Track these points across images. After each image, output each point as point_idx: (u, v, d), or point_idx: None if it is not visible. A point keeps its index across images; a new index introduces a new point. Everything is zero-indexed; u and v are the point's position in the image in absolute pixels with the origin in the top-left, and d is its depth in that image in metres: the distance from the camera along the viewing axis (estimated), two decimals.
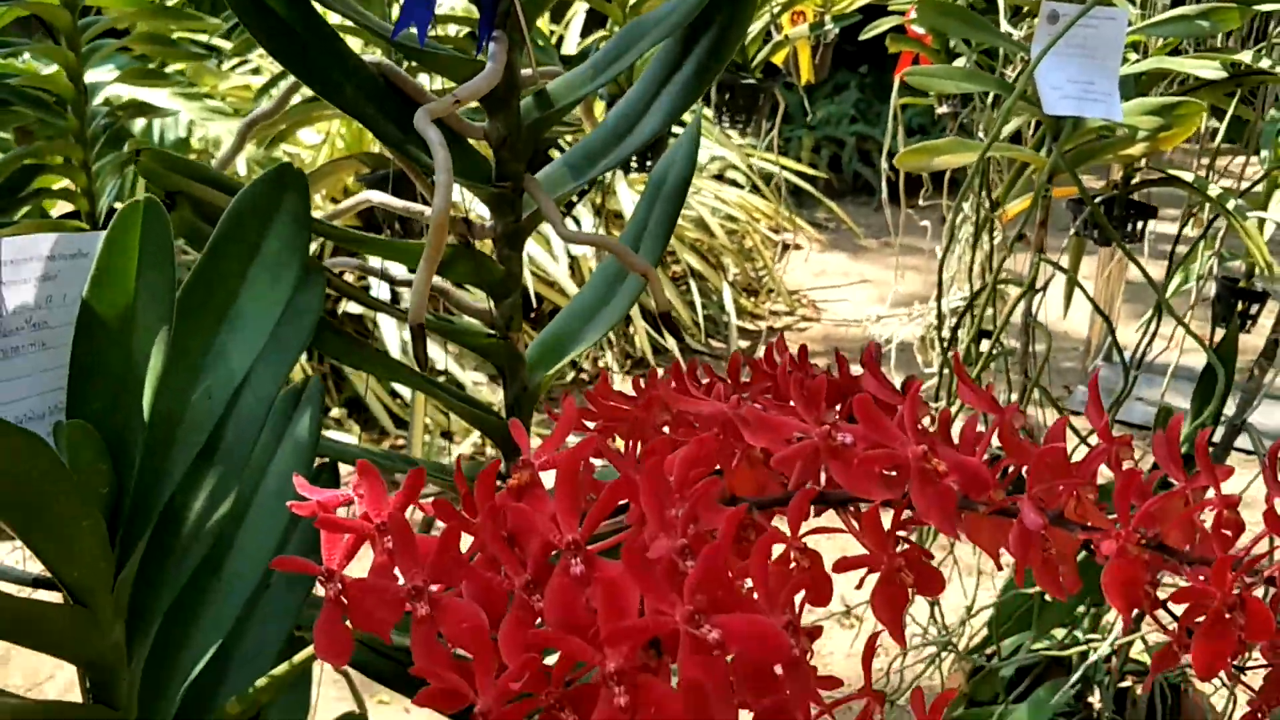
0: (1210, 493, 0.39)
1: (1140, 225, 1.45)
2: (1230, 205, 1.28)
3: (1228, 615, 0.37)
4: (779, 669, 0.32)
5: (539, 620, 0.35)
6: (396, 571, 0.39)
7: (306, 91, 0.95)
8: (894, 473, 0.41)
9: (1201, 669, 0.37)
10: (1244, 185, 1.41)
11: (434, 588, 0.37)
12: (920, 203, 2.06)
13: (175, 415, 0.54)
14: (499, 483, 0.42)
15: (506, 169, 0.70)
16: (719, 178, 3.81)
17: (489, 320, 0.76)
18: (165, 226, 0.52)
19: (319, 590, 0.42)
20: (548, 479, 0.41)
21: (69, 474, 0.43)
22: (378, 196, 0.70)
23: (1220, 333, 1.85)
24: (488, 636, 0.34)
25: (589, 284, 0.81)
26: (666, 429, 0.47)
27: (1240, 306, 1.89)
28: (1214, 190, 1.31)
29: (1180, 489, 0.40)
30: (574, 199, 1.91)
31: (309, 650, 0.53)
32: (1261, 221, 1.35)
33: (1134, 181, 1.43)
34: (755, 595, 0.33)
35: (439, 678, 0.35)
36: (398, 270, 0.79)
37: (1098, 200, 1.45)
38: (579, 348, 0.77)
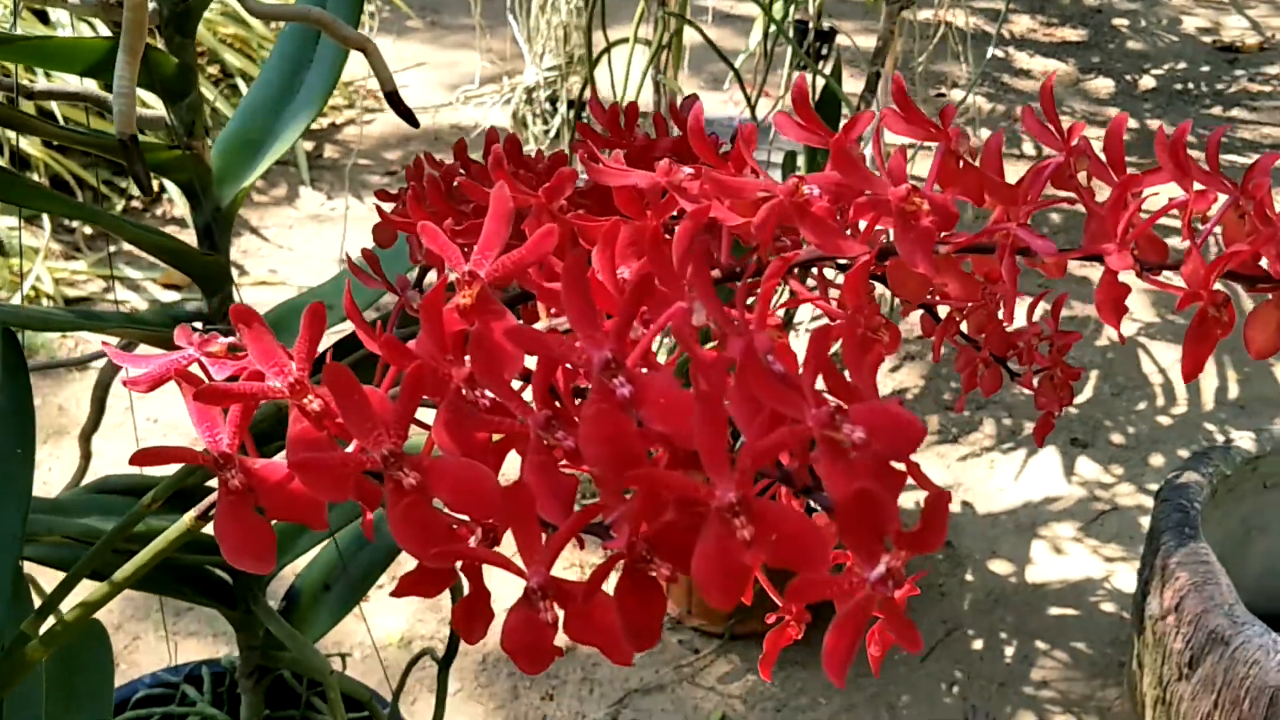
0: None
1: None
2: None
3: (1212, 314, 0.36)
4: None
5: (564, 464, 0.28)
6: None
7: None
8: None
9: (1188, 368, 0.36)
10: None
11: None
12: None
13: None
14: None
15: None
16: None
17: (164, 128, 0.62)
18: None
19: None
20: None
21: None
22: None
23: (799, 75, 1.94)
24: (527, 495, 0.26)
25: (267, 68, 0.68)
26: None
27: (816, 46, 1.98)
28: None
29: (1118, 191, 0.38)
30: None
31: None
32: None
33: None
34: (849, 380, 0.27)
35: (452, 554, 0.27)
36: None
37: None
38: (276, 147, 0.65)
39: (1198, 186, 0.35)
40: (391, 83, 0.57)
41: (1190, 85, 3.68)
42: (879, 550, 0.24)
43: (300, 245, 2.56)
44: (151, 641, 1.67)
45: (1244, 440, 1.58)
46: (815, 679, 1.67)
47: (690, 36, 2.63)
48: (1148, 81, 3.69)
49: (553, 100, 2.31)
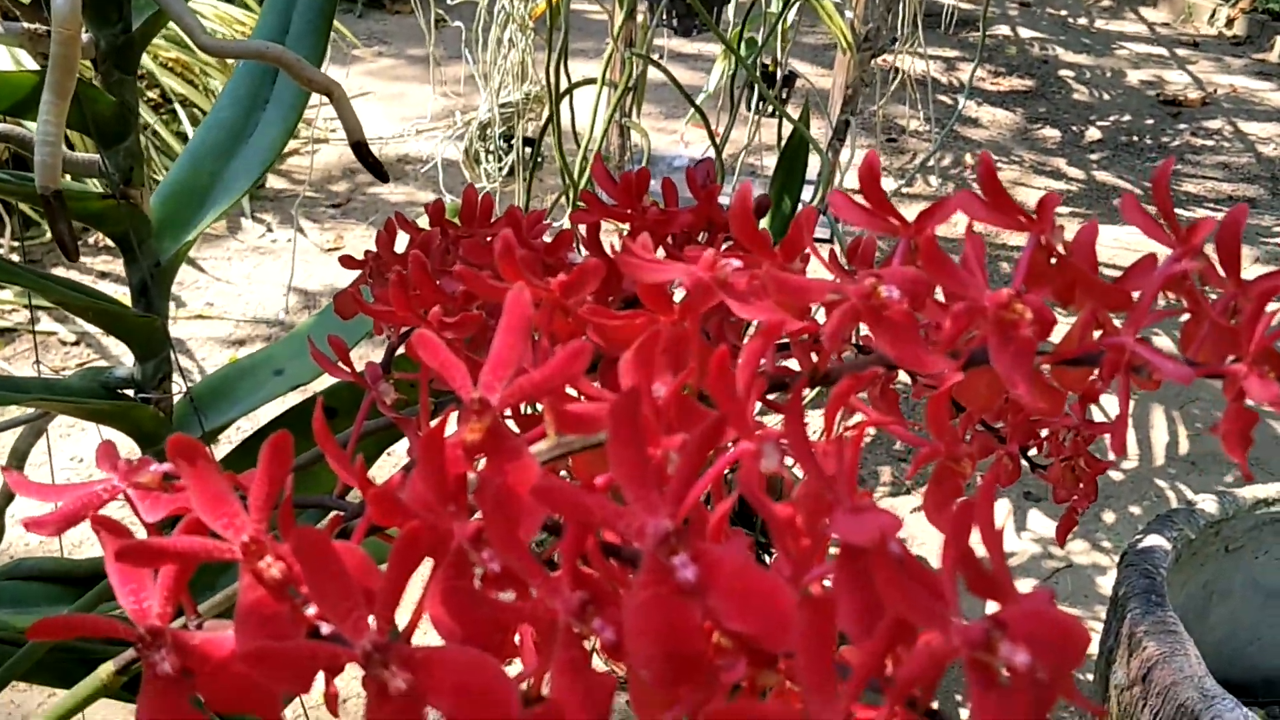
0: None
1: (717, 11, 1.41)
2: None
3: None
4: None
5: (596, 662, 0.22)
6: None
7: None
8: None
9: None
10: None
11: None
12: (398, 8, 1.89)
13: None
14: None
15: None
16: None
17: (98, 175, 0.55)
18: None
19: None
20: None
21: None
22: None
23: (759, 120, 1.90)
24: (558, 714, 0.20)
25: (218, 108, 0.61)
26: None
27: (779, 89, 1.94)
28: None
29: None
30: None
31: None
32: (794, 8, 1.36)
33: None
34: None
35: None
36: None
37: None
38: (226, 197, 0.58)
39: None
40: (360, 132, 0.51)
41: (1135, 137, 3.71)
42: None
43: (239, 278, 2.47)
44: None
45: (1207, 503, 1.55)
46: None
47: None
48: (1093, 133, 3.71)
49: (507, 137, 2.25)
